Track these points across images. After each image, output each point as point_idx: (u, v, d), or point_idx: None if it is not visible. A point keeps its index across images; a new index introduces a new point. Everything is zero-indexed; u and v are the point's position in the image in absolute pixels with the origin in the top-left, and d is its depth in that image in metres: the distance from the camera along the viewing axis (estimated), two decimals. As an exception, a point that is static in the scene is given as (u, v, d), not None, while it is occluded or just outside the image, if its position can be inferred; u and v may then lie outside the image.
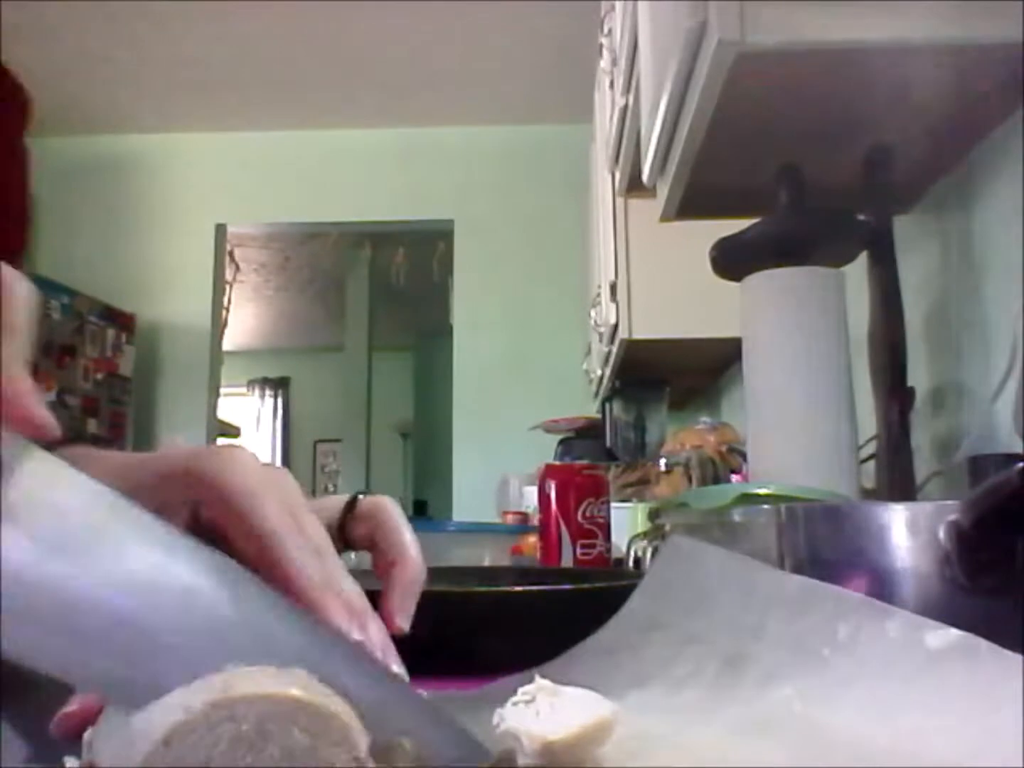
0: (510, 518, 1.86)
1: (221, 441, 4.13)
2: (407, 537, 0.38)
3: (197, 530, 0.32)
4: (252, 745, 0.21)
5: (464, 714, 0.27)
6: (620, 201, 2.12)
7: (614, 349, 2.22)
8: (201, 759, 0.21)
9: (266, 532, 0.31)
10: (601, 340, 2.41)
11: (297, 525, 0.32)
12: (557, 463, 1.95)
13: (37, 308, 0.26)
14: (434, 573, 0.72)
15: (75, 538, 0.23)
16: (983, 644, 0.27)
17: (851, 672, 0.29)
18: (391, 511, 0.40)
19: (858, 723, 0.27)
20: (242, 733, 0.21)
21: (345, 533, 0.40)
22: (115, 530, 0.25)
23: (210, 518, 0.32)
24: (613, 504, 0.99)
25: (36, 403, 0.24)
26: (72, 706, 0.26)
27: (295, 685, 0.22)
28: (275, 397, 7.35)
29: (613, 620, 0.40)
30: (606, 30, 1.88)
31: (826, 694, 0.29)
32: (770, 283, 1.03)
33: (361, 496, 0.41)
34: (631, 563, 0.88)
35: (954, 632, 0.28)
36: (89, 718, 0.24)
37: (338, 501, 0.40)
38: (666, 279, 2.06)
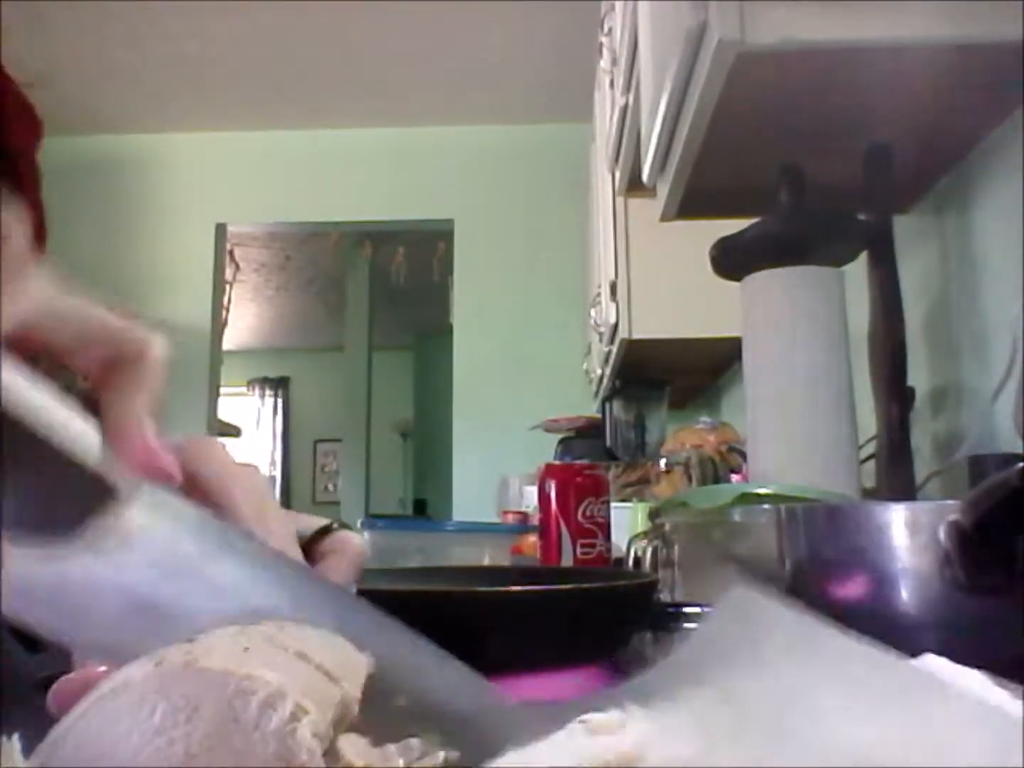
0: (510, 518, 1.86)
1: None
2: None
3: None
4: (184, 719, 0.20)
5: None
6: (620, 201, 2.11)
7: (614, 349, 2.22)
8: (128, 729, 0.20)
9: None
10: (601, 340, 2.41)
11: (263, 520, 0.32)
12: (557, 463, 1.94)
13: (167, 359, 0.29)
14: (434, 573, 0.72)
15: (186, 562, 0.27)
16: None
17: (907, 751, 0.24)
18: (349, 560, 0.38)
19: None
20: (172, 707, 0.20)
21: (307, 556, 0.39)
22: (219, 554, 0.28)
23: None
24: (613, 504, 0.99)
25: (167, 458, 0.28)
26: (73, 675, 0.26)
27: (240, 653, 0.22)
28: (275, 397, 7.35)
29: (656, 667, 0.37)
30: (606, 30, 1.88)
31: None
32: (770, 283, 1.03)
33: (335, 527, 0.40)
34: (631, 563, 0.88)
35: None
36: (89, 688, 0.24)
37: (309, 523, 0.40)
38: (666, 279, 2.06)
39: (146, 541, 0.26)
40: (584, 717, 0.26)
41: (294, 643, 0.24)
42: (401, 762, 0.23)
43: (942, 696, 0.27)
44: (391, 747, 0.23)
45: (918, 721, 0.26)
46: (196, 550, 0.27)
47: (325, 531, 0.39)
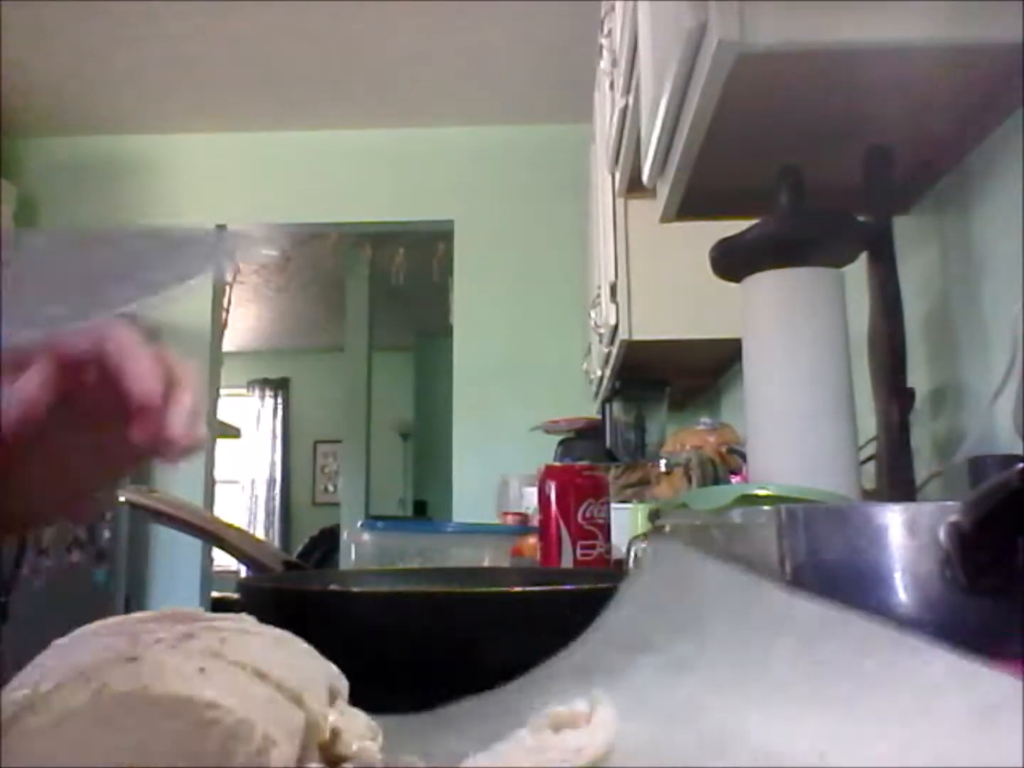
0: (510, 519, 1.86)
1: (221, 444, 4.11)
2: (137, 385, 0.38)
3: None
4: (132, 756, 0.18)
5: (421, 738, 0.25)
6: (620, 201, 2.11)
7: (614, 350, 2.22)
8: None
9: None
10: (601, 341, 2.41)
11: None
12: (557, 464, 1.95)
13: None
14: (434, 574, 0.72)
15: None
16: None
17: (883, 715, 0.24)
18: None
19: None
20: (116, 743, 0.18)
21: None
22: None
23: None
24: (613, 505, 0.99)
25: None
26: None
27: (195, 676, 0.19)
28: (275, 397, 7.35)
29: (588, 634, 0.36)
30: (606, 30, 1.88)
31: (853, 739, 0.24)
32: (770, 283, 1.03)
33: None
34: (631, 564, 0.88)
35: (1011, 681, 0.24)
36: None
37: None
38: (666, 279, 2.06)
39: None
40: (546, 711, 0.24)
41: (247, 658, 0.21)
42: None
43: (886, 637, 0.27)
44: None
45: (891, 678, 0.26)
46: None
47: None
